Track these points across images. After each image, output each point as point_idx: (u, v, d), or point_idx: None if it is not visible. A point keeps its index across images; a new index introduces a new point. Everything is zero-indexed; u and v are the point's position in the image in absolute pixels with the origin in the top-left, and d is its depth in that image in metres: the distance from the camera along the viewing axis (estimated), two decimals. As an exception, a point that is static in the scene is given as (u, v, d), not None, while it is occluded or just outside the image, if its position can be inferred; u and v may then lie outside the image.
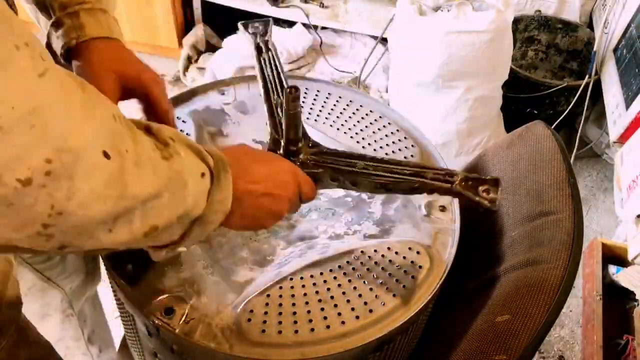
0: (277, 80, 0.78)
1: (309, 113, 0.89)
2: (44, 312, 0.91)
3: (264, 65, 0.80)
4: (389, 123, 0.88)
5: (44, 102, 0.33)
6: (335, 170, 0.66)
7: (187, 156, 0.45)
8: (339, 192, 0.81)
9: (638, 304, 1.22)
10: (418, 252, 0.70)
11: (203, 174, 0.46)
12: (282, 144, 0.67)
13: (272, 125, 0.73)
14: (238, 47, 2.00)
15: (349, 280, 0.67)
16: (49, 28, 0.59)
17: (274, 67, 0.80)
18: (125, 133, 0.39)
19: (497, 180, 0.62)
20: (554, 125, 1.79)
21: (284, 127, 0.65)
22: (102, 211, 0.37)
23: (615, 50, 1.68)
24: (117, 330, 1.17)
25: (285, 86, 0.76)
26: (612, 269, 1.30)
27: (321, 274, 0.68)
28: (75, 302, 0.96)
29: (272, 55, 0.81)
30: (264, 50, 0.83)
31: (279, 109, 0.73)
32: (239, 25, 0.86)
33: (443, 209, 0.77)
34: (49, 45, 0.61)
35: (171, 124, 0.67)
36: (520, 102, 1.85)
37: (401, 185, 0.64)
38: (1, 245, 0.35)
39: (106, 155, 0.37)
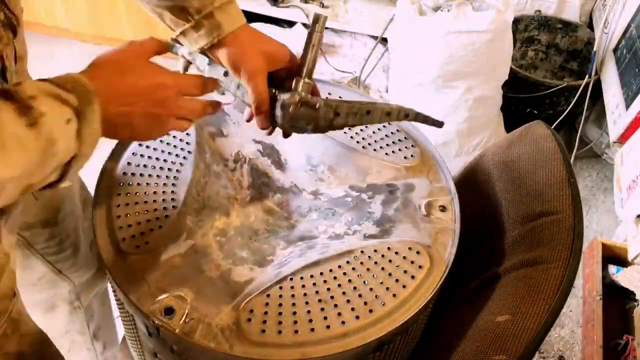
0: None
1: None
2: (52, 302, 0.92)
3: None
4: (389, 123, 0.88)
5: None
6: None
7: (52, 110, 0.45)
8: (339, 193, 0.81)
9: (638, 304, 1.22)
10: (418, 252, 0.70)
11: (69, 120, 0.47)
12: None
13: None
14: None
15: (349, 280, 0.67)
16: (187, 29, 0.64)
17: None
18: None
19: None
20: (554, 125, 1.79)
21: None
22: None
23: (615, 50, 1.68)
24: (117, 330, 1.18)
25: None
26: (612, 269, 1.30)
27: (321, 273, 0.68)
28: (83, 295, 0.97)
29: None
30: None
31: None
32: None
33: (443, 209, 0.77)
34: (176, 41, 0.66)
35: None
36: (520, 102, 1.85)
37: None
38: None
39: None
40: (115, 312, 1.13)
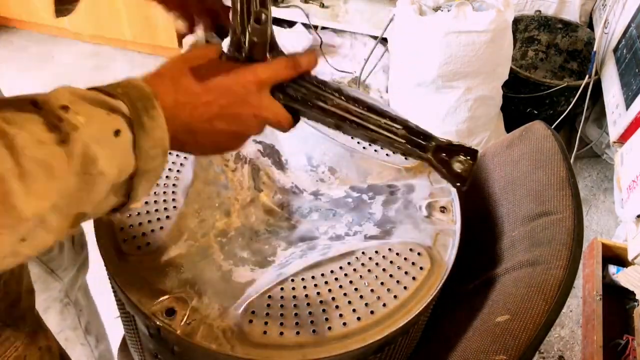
0: None
1: (310, 114, 0.89)
2: (47, 305, 0.93)
3: None
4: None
5: None
6: (308, 103, 0.54)
7: (90, 120, 0.37)
8: (340, 193, 0.81)
9: (638, 304, 1.23)
10: (419, 254, 0.70)
11: (117, 131, 0.38)
12: (245, 47, 0.53)
13: (235, 22, 0.56)
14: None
15: (350, 282, 0.67)
16: None
17: None
18: None
19: (474, 153, 0.54)
20: (554, 125, 1.79)
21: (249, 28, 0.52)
22: (2, 245, 0.33)
23: (615, 50, 1.68)
24: (117, 330, 1.18)
25: None
26: (612, 269, 1.30)
27: (322, 275, 0.68)
28: (70, 292, 0.97)
29: None
30: None
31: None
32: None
33: (444, 209, 0.77)
34: None
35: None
36: (520, 102, 1.86)
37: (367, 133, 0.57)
38: None
39: None
40: (115, 312, 1.14)
